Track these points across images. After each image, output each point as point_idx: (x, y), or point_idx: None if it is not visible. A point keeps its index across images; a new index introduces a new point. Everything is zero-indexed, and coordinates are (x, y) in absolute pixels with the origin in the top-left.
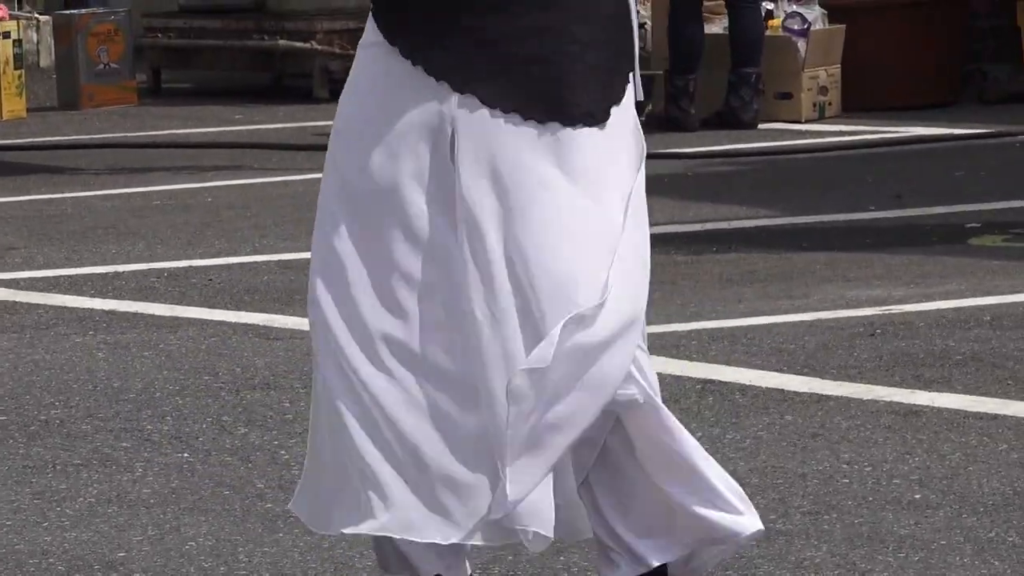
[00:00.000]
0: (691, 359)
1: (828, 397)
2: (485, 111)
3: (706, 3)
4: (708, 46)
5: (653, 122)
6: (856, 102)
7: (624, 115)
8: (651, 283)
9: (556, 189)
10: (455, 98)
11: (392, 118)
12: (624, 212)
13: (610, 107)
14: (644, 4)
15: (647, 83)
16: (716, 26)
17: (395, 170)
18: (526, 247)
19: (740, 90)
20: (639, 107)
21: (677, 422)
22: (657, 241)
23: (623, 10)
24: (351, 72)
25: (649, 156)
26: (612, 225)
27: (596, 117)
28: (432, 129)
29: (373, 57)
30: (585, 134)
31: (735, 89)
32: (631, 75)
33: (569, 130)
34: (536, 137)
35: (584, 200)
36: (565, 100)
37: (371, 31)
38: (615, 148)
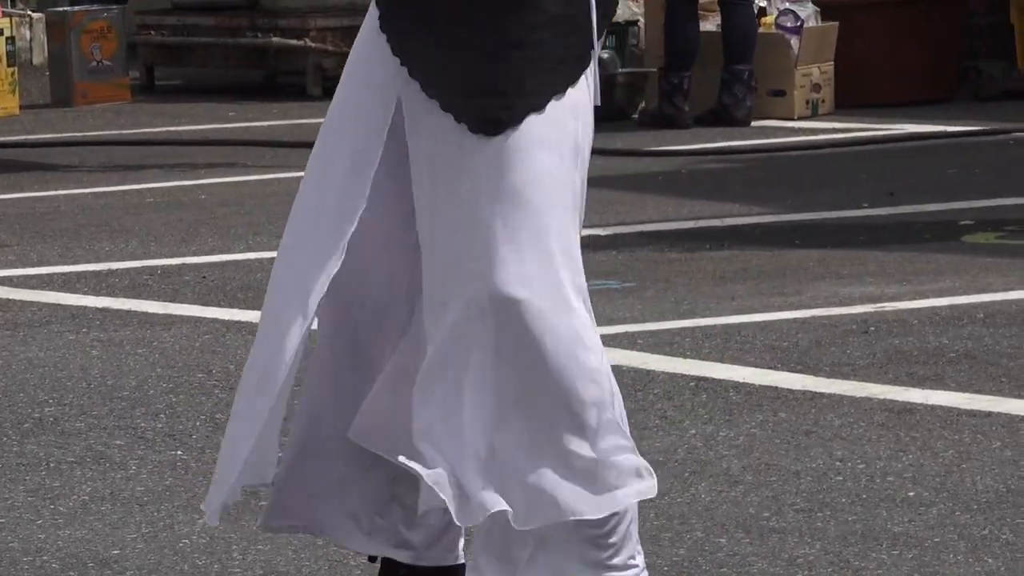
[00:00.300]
0: (684, 356)
1: (821, 394)
2: (422, 98)
3: (700, 0)
4: (701, 43)
5: (647, 119)
6: (849, 99)
7: (562, 115)
8: (645, 280)
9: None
10: (403, 78)
11: (360, 77)
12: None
13: (547, 101)
14: (636, 2)
15: (639, 79)
16: (709, 23)
17: (353, 124)
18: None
19: (733, 87)
20: (596, 112)
21: None
22: (651, 238)
23: (580, 9)
24: None
25: (643, 154)
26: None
27: (536, 108)
28: (385, 100)
29: (367, 22)
30: (513, 136)
31: (728, 86)
32: (585, 75)
33: (500, 138)
34: (469, 137)
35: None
36: (481, 105)
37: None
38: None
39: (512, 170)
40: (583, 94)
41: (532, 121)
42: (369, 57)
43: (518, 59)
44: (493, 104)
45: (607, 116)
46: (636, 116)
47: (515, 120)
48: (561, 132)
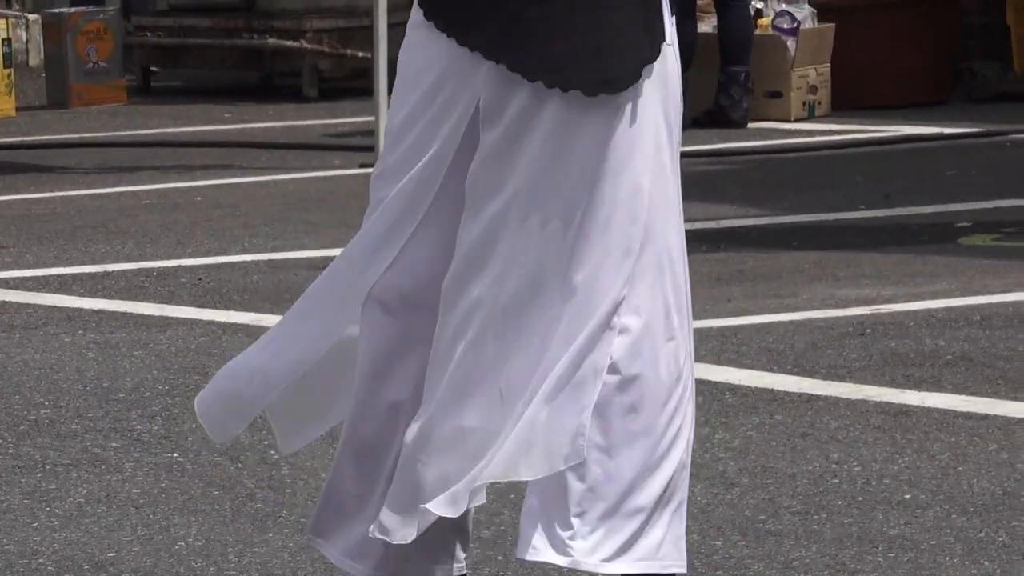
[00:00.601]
0: None
1: (818, 397)
2: (510, 80)
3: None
4: (698, 45)
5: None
6: (846, 101)
7: (655, 82)
8: None
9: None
10: (485, 67)
11: (422, 86)
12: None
13: (640, 70)
14: None
15: None
16: (706, 25)
17: (421, 139)
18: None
19: (730, 89)
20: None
21: None
22: None
23: None
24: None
25: None
26: (633, 216)
27: (624, 81)
28: (461, 101)
29: (412, 33)
30: (604, 101)
31: (725, 88)
32: (664, 44)
33: (591, 99)
34: (563, 106)
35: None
36: (591, 67)
37: (414, 10)
38: (642, 118)
39: (625, 134)
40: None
41: (645, 75)
42: (429, 64)
43: (619, 19)
44: (604, 65)
45: None
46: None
47: (633, 76)
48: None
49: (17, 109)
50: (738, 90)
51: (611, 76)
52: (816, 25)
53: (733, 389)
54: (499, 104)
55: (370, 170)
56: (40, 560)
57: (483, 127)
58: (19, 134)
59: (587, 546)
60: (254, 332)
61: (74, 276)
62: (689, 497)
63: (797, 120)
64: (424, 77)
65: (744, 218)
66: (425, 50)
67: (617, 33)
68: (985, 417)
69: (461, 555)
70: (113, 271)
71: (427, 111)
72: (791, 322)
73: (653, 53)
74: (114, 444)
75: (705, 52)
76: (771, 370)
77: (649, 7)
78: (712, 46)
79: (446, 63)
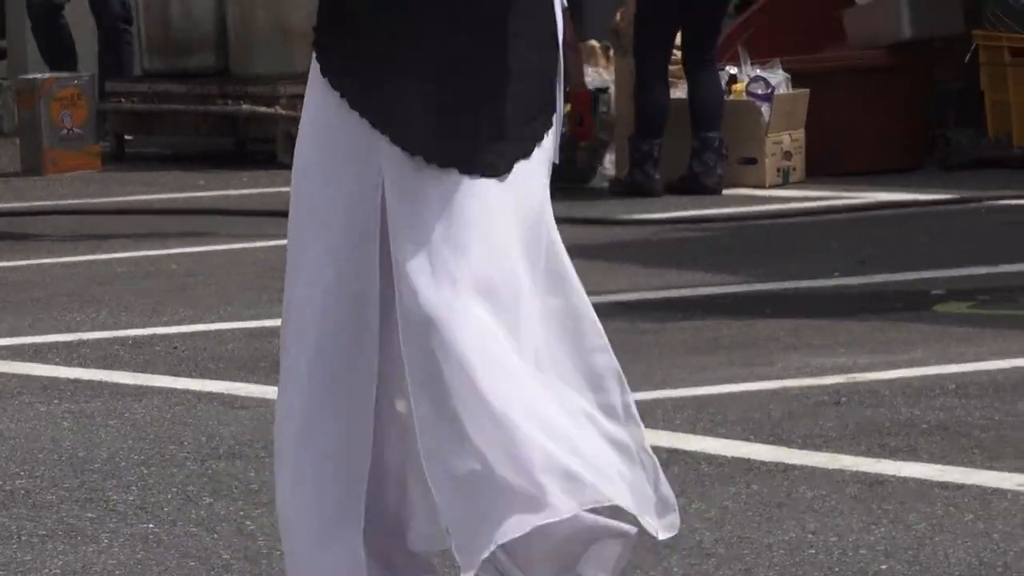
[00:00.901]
0: (656, 428)
1: (793, 466)
2: (396, 150)
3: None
4: (672, 111)
5: (619, 188)
6: (820, 167)
7: (530, 173)
8: (616, 351)
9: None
10: (375, 134)
11: (323, 147)
12: (528, 271)
13: (515, 161)
14: (607, 68)
15: (598, 148)
16: (679, 91)
17: (323, 197)
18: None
19: (703, 155)
20: (554, 170)
21: None
22: (622, 308)
23: (548, 68)
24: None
25: (614, 223)
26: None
27: (498, 168)
28: (359, 160)
29: (311, 87)
30: (483, 184)
31: (698, 154)
32: (548, 134)
33: (467, 179)
34: (437, 181)
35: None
36: (469, 148)
37: (313, 61)
38: (516, 202)
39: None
40: (547, 151)
41: (517, 169)
42: (327, 137)
43: (500, 108)
44: (466, 146)
45: (567, 178)
46: (606, 184)
47: (499, 165)
48: (525, 190)
49: None
50: (712, 156)
51: (491, 161)
52: (790, 91)
53: (709, 459)
54: (390, 168)
55: None
56: None
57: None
58: None
59: None
60: (229, 401)
61: (49, 344)
62: (665, 568)
63: (771, 186)
64: (321, 136)
65: (719, 286)
66: (320, 106)
67: (498, 120)
68: (961, 487)
69: None
70: (88, 339)
71: (323, 170)
72: (766, 391)
73: (529, 146)
74: (89, 515)
75: (677, 118)
76: (747, 439)
77: (546, 91)
78: (684, 112)
79: (337, 122)
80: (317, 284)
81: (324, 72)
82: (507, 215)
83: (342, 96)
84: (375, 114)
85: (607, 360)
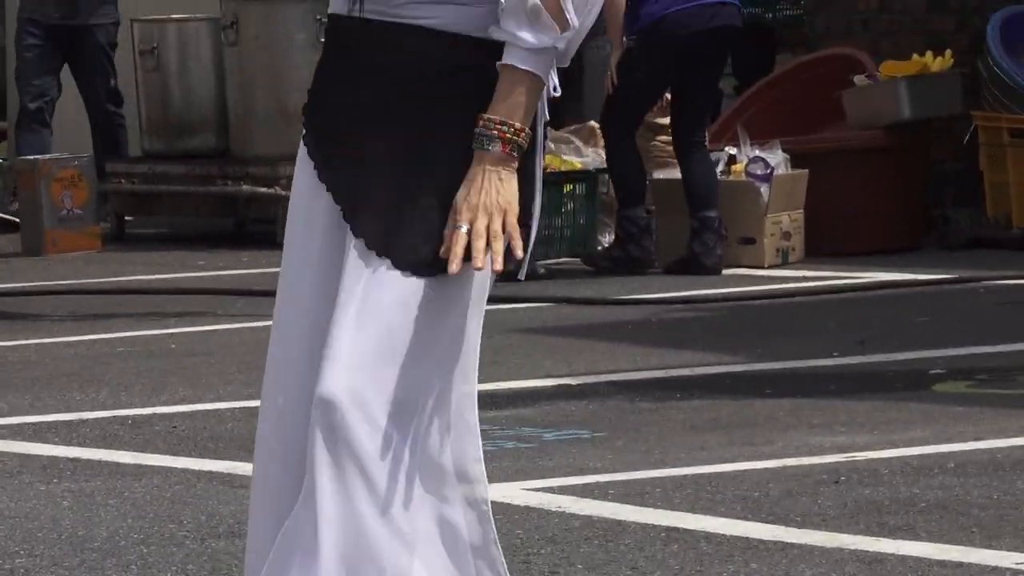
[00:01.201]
0: (656, 507)
1: (792, 545)
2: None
3: (664, 147)
4: (668, 191)
5: (610, 265)
6: (819, 247)
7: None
8: (615, 430)
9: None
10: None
11: (299, 209)
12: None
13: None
14: (597, 148)
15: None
16: (676, 171)
17: (294, 256)
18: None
19: (703, 235)
20: (514, 270)
21: None
22: (621, 388)
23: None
24: None
25: (612, 302)
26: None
27: (433, 267)
28: (326, 223)
29: (302, 147)
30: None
31: (698, 235)
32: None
33: (397, 273)
34: (374, 265)
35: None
36: (402, 242)
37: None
38: (447, 302)
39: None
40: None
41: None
42: (304, 199)
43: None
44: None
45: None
46: (606, 263)
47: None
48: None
49: None
50: (712, 236)
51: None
52: (789, 171)
53: (708, 537)
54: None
55: None
56: None
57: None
58: None
59: None
60: (229, 480)
61: (49, 424)
62: None
63: (770, 266)
64: (301, 195)
65: (717, 365)
66: (303, 166)
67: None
68: (960, 565)
69: None
70: (88, 419)
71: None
72: (765, 470)
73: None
74: None
75: (675, 199)
76: (746, 518)
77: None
78: (679, 191)
79: (313, 190)
80: (291, 342)
81: (304, 140)
82: (432, 314)
83: (315, 168)
84: (336, 192)
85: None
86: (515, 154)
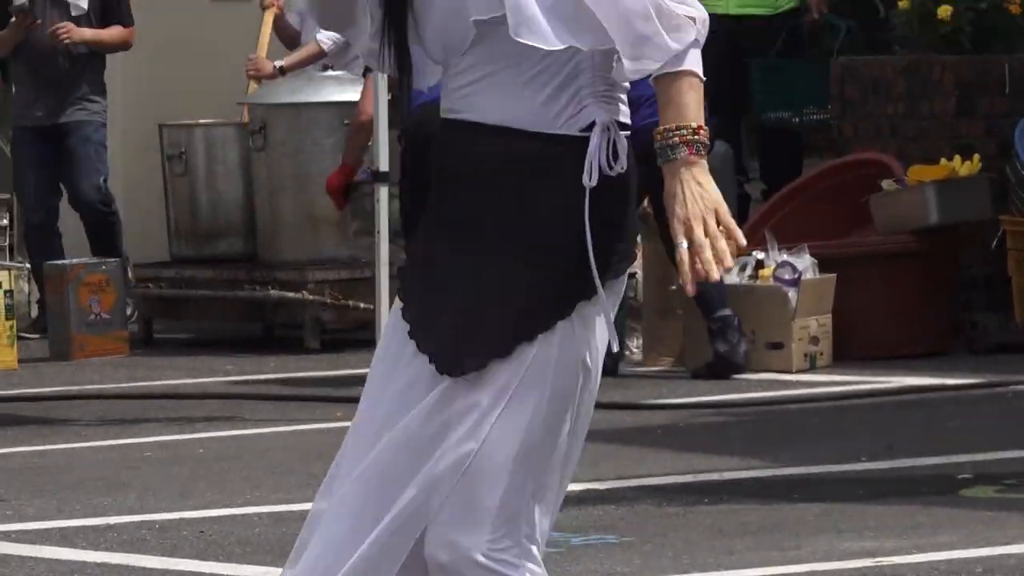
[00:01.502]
0: None
1: None
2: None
3: None
4: (685, 297)
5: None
6: (847, 352)
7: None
8: (643, 535)
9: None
10: None
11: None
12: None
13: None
14: (635, 252)
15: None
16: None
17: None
18: None
19: (726, 334)
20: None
21: None
22: (649, 492)
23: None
24: None
25: (641, 407)
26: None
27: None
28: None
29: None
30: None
31: (720, 335)
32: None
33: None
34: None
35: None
36: (456, 353)
37: None
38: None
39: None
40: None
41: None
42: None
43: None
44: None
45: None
46: (633, 369)
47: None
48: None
49: (19, 361)
50: (734, 333)
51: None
52: (817, 276)
53: None
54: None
55: None
56: None
57: None
58: (21, 386)
59: None
60: None
61: (76, 529)
62: None
63: (798, 371)
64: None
65: (746, 470)
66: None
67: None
68: None
69: None
70: (115, 524)
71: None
72: (794, 574)
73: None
74: None
75: (692, 304)
76: None
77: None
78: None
79: None
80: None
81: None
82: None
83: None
84: (410, 320)
85: None
86: (701, 153)
